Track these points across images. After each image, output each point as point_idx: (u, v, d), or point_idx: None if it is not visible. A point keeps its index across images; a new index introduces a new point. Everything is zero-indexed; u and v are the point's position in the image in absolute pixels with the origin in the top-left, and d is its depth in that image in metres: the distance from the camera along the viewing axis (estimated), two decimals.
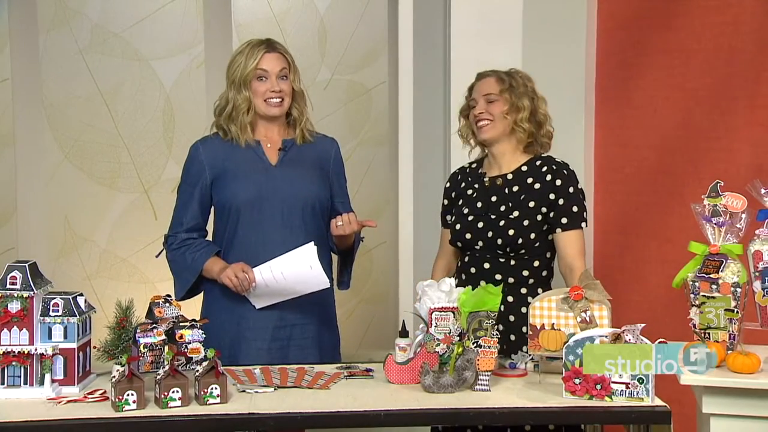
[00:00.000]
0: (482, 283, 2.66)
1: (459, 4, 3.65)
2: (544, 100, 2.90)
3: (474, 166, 2.98)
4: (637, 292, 3.51)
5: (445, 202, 3.01)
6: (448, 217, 2.98)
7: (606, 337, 2.29)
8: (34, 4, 4.04)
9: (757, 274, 2.47)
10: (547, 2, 3.71)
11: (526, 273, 2.80)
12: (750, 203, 2.49)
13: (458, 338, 2.41)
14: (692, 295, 2.50)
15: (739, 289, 2.44)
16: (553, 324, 2.44)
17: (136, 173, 4.13)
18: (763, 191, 2.48)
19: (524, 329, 2.75)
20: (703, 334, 2.47)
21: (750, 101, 3.27)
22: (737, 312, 2.44)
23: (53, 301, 2.38)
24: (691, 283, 2.50)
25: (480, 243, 2.83)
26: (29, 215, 4.08)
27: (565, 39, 3.71)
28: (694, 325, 2.49)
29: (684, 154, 3.43)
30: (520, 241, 2.77)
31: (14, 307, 2.34)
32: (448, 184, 3.03)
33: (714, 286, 2.46)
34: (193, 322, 2.41)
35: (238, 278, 2.71)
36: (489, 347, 2.37)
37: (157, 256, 2.92)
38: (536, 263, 2.81)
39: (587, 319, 2.42)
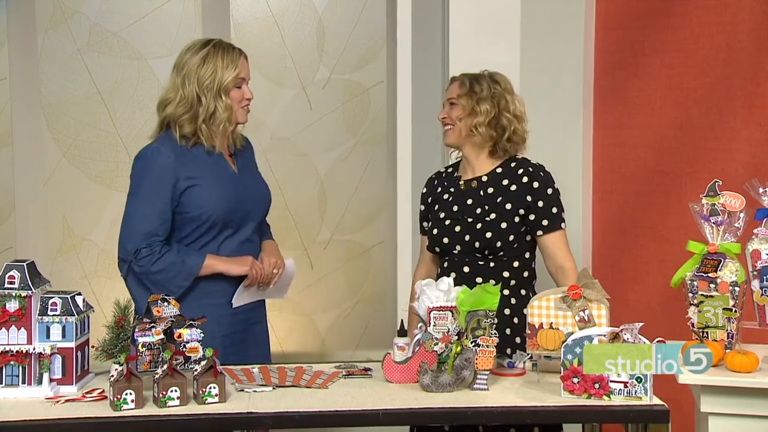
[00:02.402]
0: (463, 287, 2.64)
1: (457, 4, 3.65)
2: (519, 102, 2.87)
3: (450, 170, 2.98)
4: (636, 291, 3.51)
5: (422, 208, 3.00)
6: (425, 224, 2.97)
7: (604, 336, 2.30)
8: (32, 4, 4.04)
9: (755, 273, 2.47)
10: (545, 2, 3.71)
11: (506, 274, 2.80)
12: (748, 202, 2.49)
13: (456, 337, 2.41)
14: (690, 294, 2.50)
15: (737, 288, 2.45)
16: (552, 323, 2.45)
17: None
18: (761, 190, 2.49)
19: (508, 331, 2.76)
20: (701, 333, 2.48)
21: (748, 101, 3.27)
22: (735, 311, 2.45)
23: (51, 301, 2.38)
24: (689, 282, 2.50)
25: (458, 247, 2.82)
26: (27, 214, 4.08)
27: (563, 38, 3.71)
28: (693, 324, 2.50)
29: (682, 154, 3.43)
30: (498, 243, 2.77)
31: (12, 306, 2.34)
32: (424, 190, 3.02)
33: (712, 285, 2.46)
34: (191, 322, 2.41)
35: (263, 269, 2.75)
36: (487, 346, 2.37)
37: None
38: (516, 264, 2.81)
39: (585, 318, 2.43)
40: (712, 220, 2.50)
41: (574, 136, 3.71)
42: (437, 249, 2.88)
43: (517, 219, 2.79)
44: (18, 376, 2.35)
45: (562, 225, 2.82)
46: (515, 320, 2.77)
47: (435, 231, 2.88)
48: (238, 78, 2.74)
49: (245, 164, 2.88)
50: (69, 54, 4.09)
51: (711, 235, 2.51)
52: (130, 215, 2.72)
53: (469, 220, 2.82)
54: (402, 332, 2.54)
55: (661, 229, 3.47)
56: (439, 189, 2.95)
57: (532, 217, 2.79)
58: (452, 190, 2.91)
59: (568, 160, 3.43)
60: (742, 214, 2.49)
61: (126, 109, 4.12)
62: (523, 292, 2.81)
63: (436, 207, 2.92)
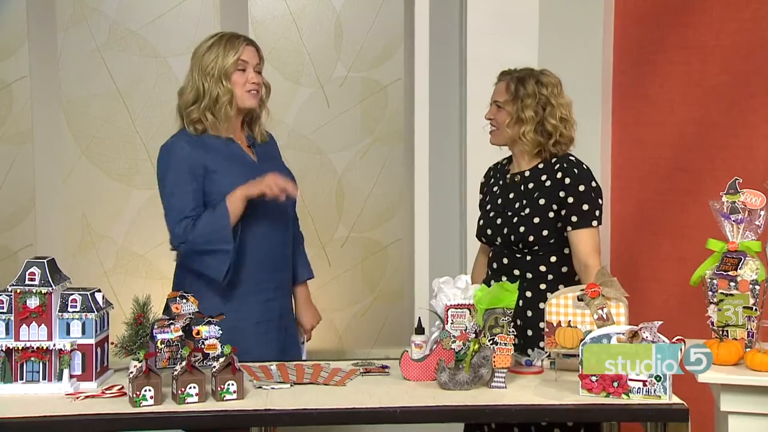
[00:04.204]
0: (503, 278, 2.71)
1: (475, 1, 3.64)
2: (564, 105, 2.85)
3: (504, 162, 3.01)
4: (654, 289, 3.50)
5: (480, 197, 3.06)
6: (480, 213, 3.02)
7: (623, 334, 2.28)
8: (52, 2, 4.06)
9: None
10: None
11: (543, 268, 2.80)
12: None
13: (474, 335, 2.41)
14: (710, 293, 2.48)
15: (757, 287, 2.43)
16: (570, 321, 2.44)
17: (153, 170, 4.13)
18: None
19: (541, 324, 2.75)
20: (721, 332, 2.46)
21: None
22: (756, 309, 2.43)
23: (71, 297, 2.40)
24: (709, 280, 2.49)
25: (498, 239, 2.86)
26: (47, 212, 4.11)
27: (581, 36, 3.69)
28: (712, 323, 2.48)
29: (701, 151, 3.41)
30: (531, 238, 2.78)
31: (33, 303, 2.36)
32: (482, 179, 3.07)
33: (732, 284, 2.45)
34: (209, 319, 2.42)
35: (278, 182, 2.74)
36: (505, 344, 2.37)
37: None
38: (553, 259, 2.81)
39: (604, 316, 2.42)
40: (733, 218, 2.49)
41: (593, 133, 3.69)
42: (483, 239, 2.95)
43: (551, 214, 2.79)
44: (38, 372, 2.36)
45: (593, 223, 2.78)
46: None
47: (481, 222, 2.95)
48: (239, 61, 2.79)
49: (266, 155, 2.92)
50: (88, 52, 4.11)
51: (731, 232, 2.50)
52: (168, 207, 2.79)
53: (509, 213, 2.85)
54: (419, 330, 2.54)
55: (680, 226, 3.45)
56: (492, 180, 3.01)
57: (563, 212, 2.78)
58: (501, 182, 2.95)
59: (586, 158, 3.39)
60: (762, 212, 2.47)
61: (145, 106, 4.14)
62: (561, 287, 2.78)
63: (487, 198, 2.99)
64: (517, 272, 2.81)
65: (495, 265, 2.87)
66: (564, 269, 2.82)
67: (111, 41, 4.12)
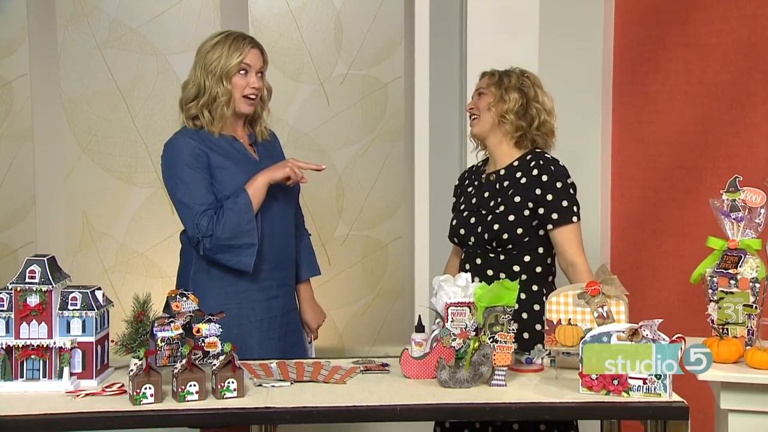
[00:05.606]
0: (476, 279, 2.68)
1: (475, 1, 3.64)
2: (544, 97, 2.85)
3: (480, 164, 3.01)
4: (655, 287, 3.50)
5: (454, 199, 3.05)
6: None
7: (623, 332, 2.28)
8: (53, 0, 4.07)
9: None
10: None
11: (516, 268, 2.79)
12: None
13: (474, 333, 2.41)
14: (710, 291, 2.48)
15: (758, 285, 2.43)
16: (570, 319, 2.44)
17: (154, 168, 4.14)
18: None
19: (515, 326, 2.75)
20: (721, 330, 2.46)
21: None
22: (756, 307, 2.43)
23: (71, 295, 2.40)
24: (709, 278, 2.49)
25: (472, 239, 2.85)
26: (48, 210, 4.11)
27: (582, 34, 3.69)
28: (712, 321, 2.48)
29: (702, 149, 3.41)
30: (505, 236, 2.77)
31: (33, 300, 2.36)
32: (457, 182, 3.07)
33: (732, 282, 2.45)
34: (209, 317, 2.42)
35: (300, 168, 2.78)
36: (505, 342, 2.37)
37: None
38: (527, 258, 2.80)
39: (604, 314, 2.42)
40: (733, 216, 2.49)
41: (594, 131, 3.70)
42: (455, 239, 2.92)
43: (526, 212, 2.77)
44: (39, 370, 2.37)
45: (574, 219, 2.77)
46: (524, 315, 2.76)
47: (454, 222, 2.93)
48: (241, 64, 2.79)
49: (267, 153, 2.93)
50: (89, 50, 4.11)
51: (731, 230, 2.50)
52: (185, 200, 2.74)
53: (483, 212, 2.84)
54: (420, 328, 2.54)
55: (680, 224, 3.45)
56: (467, 182, 3.00)
57: (541, 210, 2.77)
58: (476, 183, 2.94)
59: (587, 156, 3.42)
60: (762, 210, 2.47)
61: (145, 104, 4.14)
62: (534, 287, 2.79)
63: (461, 199, 2.97)
64: (490, 272, 2.79)
65: (468, 266, 2.84)
66: (538, 269, 2.81)
67: (111, 39, 4.12)
